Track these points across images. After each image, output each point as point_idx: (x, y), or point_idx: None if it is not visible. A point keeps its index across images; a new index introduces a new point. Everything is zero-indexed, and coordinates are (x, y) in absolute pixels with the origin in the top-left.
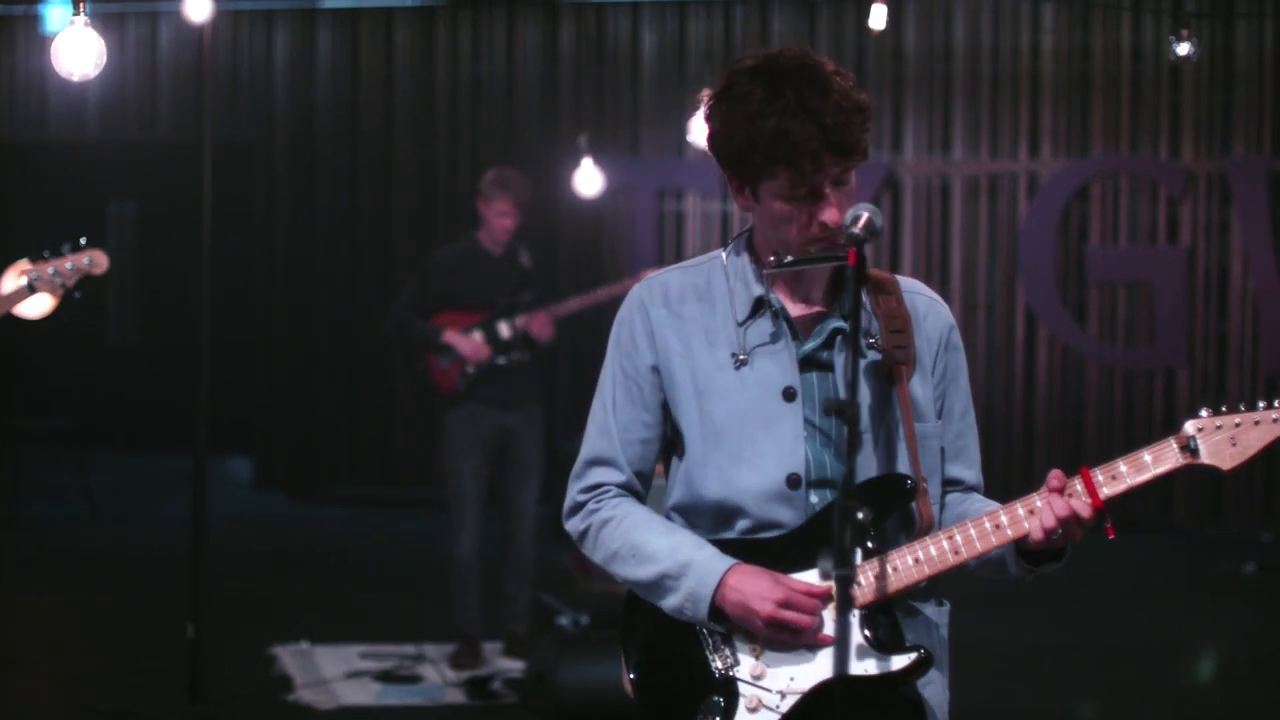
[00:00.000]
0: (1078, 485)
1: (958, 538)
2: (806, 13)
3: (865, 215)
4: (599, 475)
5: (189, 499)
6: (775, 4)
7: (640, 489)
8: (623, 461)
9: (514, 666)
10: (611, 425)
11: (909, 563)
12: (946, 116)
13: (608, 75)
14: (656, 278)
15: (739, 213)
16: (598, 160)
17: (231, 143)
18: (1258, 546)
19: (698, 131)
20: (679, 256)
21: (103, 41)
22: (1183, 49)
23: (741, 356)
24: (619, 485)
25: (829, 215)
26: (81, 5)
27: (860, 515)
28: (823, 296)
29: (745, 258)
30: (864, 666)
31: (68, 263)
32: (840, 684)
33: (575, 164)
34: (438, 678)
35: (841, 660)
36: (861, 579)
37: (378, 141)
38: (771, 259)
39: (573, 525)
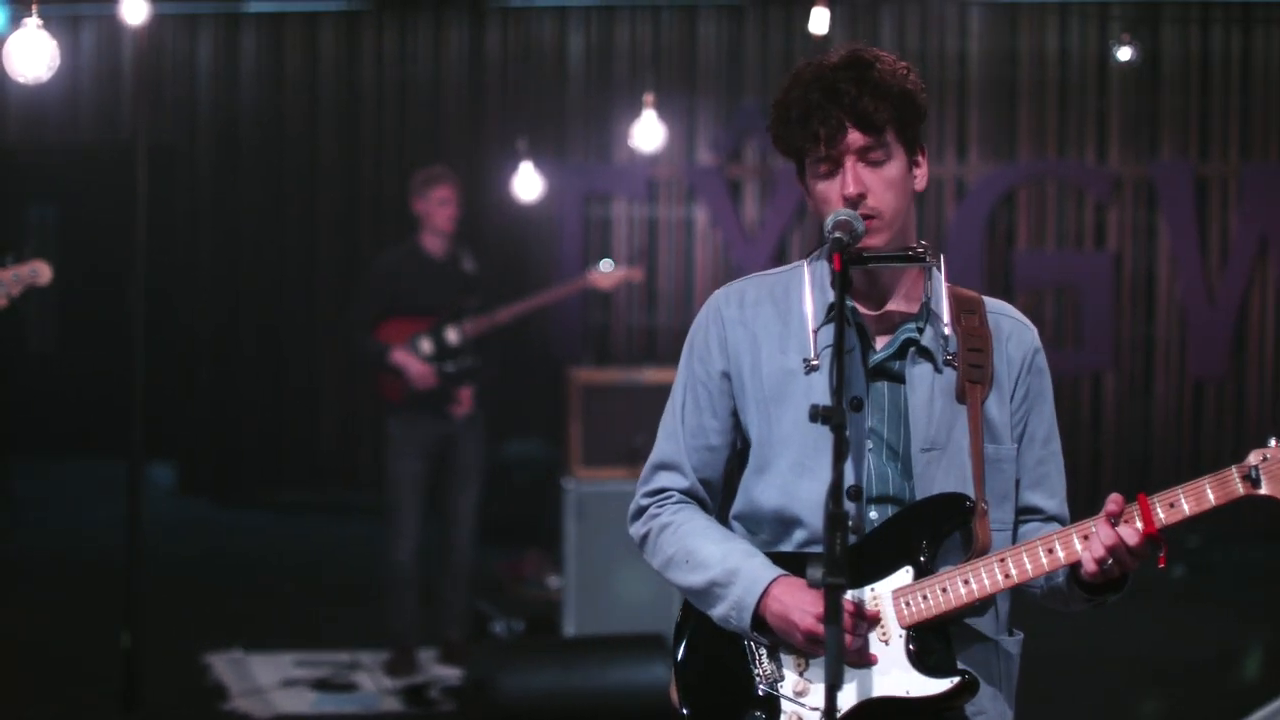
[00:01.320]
0: (1134, 511)
1: (1009, 561)
2: (734, 18)
3: (843, 218)
4: (663, 480)
5: (112, 506)
6: (702, 9)
7: (705, 496)
8: (688, 467)
9: (450, 674)
10: (679, 430)
11: (958, 584)
12: None
13: (534, 80)
14: (735, 284)
15: (666, 218)
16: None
17: (155, 146)
18: (1185, 550)
19: (638, 137)
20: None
21: (56, 43)
22: (1124, 54)
23: (813, 361)
24: (682, 491)
25: (847, 187)
26: (34, 6)
27: (850, 524)
28: (901, 300)
29: (824, 263)
30: (902, 687)
31: (11, 273)
32: (831, 695)
33: (500, 168)
34: (374, 686)
35: (831, 673)
36: (910, 599)
37: (302, 145)
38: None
39: (635, 530)
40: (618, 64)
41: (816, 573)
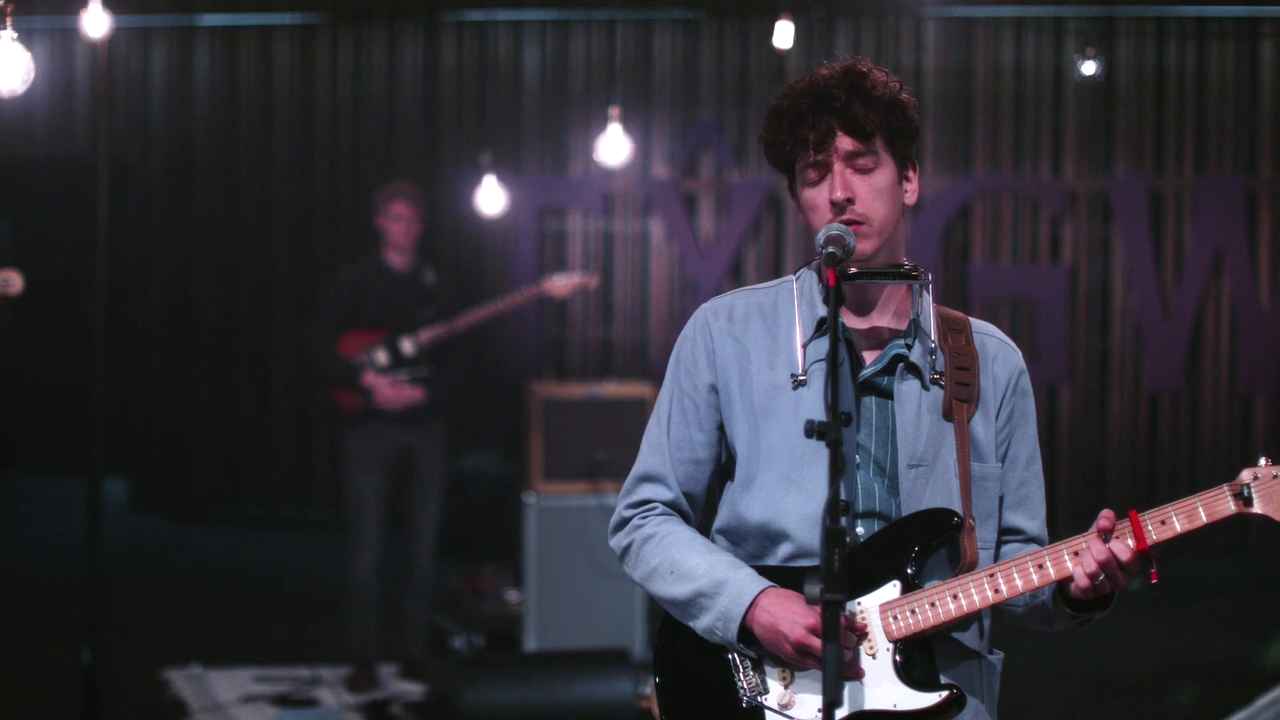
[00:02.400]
0: (1125, 528)
1: (998, 577)
2: (690, 32)
3: (836, 233)
4: (647, 492)
5: (64, 521)
6: (657, 23)
7: (688, 509)
8: (672, 480)
9: (411, 689)
10: (664, 443)
11: (947, 599)
12: None
13: (489, 93)
14: (724, 298)
15: (621, 232)
16: (478, 178)
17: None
18: None
19: (603, 151)
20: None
21: (30, 55)
22: (1088, 68)
23: (801, 377)
24: (666, 503)
25: (835, 192)
26: (9, 20)
27: (849, 540)
28: (890, 316)
29: (814, 278)
30: (889, 700)
31: None
32: (830, 712)
33: (456, 181)
34: (334, 701)
35: (828, 688)
36: (898, 613)
37: (256, 159)
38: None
39: (616, 541)
40: (573, 77)
41: (815, 588)
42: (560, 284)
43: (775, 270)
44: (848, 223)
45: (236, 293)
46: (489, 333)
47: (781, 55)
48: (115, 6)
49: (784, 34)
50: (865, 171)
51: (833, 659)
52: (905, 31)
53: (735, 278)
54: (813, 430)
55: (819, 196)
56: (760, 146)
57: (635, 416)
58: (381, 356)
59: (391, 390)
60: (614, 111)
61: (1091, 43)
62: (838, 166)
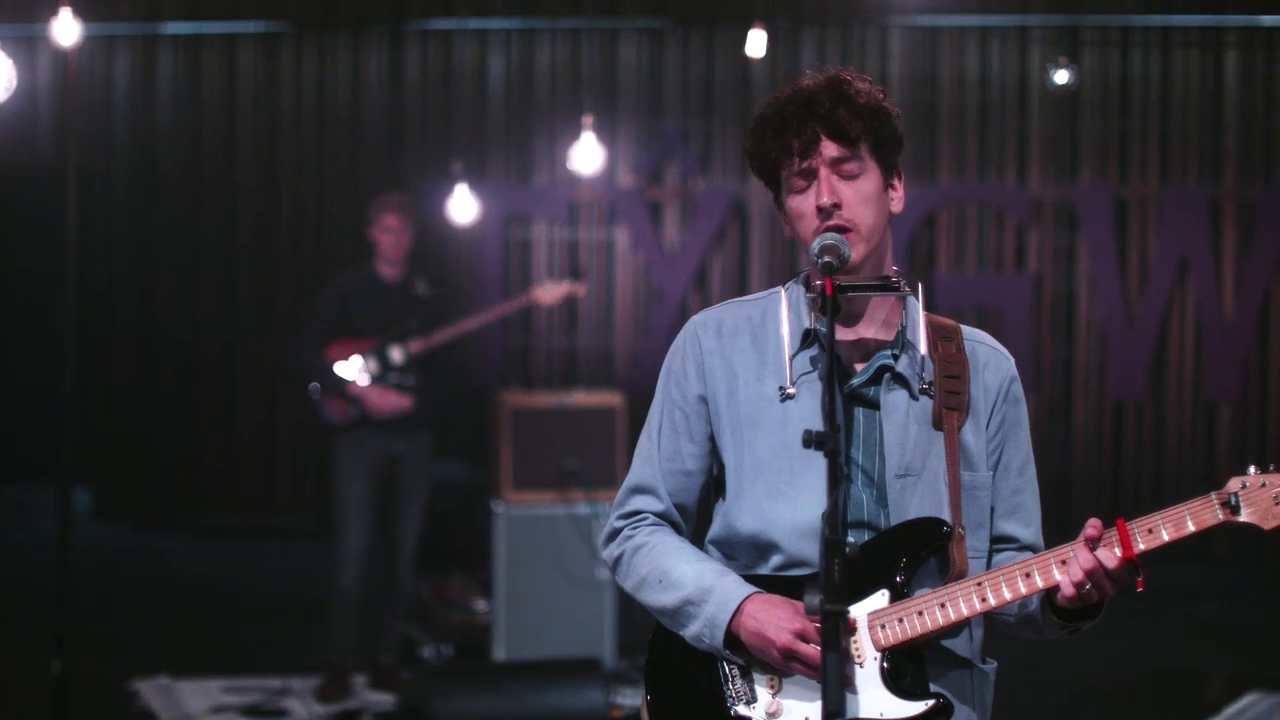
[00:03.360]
0: (1113, 537)
1: (986, 586)
2: (655, 40)
3: (830, 242)
4: (638, 503)
5: (28, 530)
6: (623, 32)
7: (679, 520)
8: (663, 491)
9: (382, 699)
10: (654, 454)
11: (935, 609)
12: None
13: (454, 102)
14: (713, 311)
15: (587, 240)
16: (444, 187)
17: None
18: None
19: (577, 159)
20: (526, 284)
21: (12, 63)
22: (1061, 77)
23: (789, 390)
24: (657, 514)
25: (822, 198)
26: None
27: (848, 550)
28: (878, 328)
29: (800, 290)
30: (876, 709)
31: None
32: None
33: (420, 190)
34: (304, 712)
35: (828, 699)
36: (886, 622)
37: (220, 168)
38: (817, 284)
39: (608, 552)
40: (538, 86)
41: (814, 599)
42: (549, 292)
43: (740, 279)
44: (835, 229)
45: (200, 301)
46: (454, 341)
47: (747, 64)
48: (79, 14)
49: (757, 43)
50: (851, 178)
51: (834, 669)
52: (871, 41)
53: (700, 287)
54: (810, 440)
55: (805, 204)
56: (745, 157)
57: (604, 426)
58: (371, 364)
59: (380, 399)
60: (587, 120)
61: (1065, 52)
62: (823, 172)
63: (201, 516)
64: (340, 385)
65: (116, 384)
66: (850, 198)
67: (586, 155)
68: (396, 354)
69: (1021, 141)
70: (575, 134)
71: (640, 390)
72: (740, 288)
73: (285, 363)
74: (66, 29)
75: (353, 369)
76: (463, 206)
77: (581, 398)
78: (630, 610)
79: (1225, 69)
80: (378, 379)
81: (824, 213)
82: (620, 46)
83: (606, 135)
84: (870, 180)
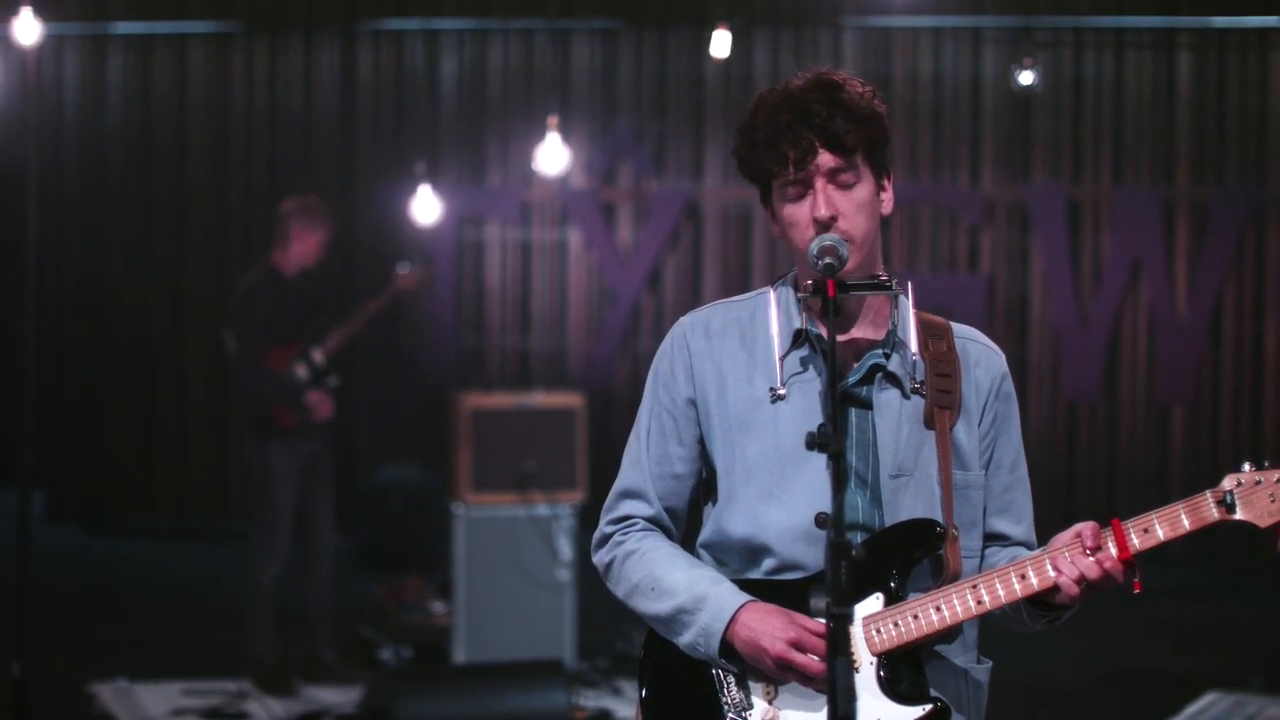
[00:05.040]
0: (1108, 537)
1: (981, 588)
2: (608, 41)
3: (829, 243)
4: (628, 508)
5: None
6: (575, 32)
7: (669, 524)
8: (653, 495)
9: (341, 700)
10: (644, 458)
11: (929, 611)
12: None
13: (406, 102)
14: (701, 312)
15: (540, 241)
16: (397, 188)
17: (22, 168)
18: None
19: (543, 160)
20: (479, 285)
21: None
22: (1026, 78)
23: (780, 391)
24: (646, 519)
25: (818, 210)
26: None
27: (854, 553)
28: (868, 328)
29: (790, 290)
30: (873, 714)
31: None
32: None
33: (372, 190)
34: (265, 714)
35: (834, 704)
36: (881, 626)
37: (171, 169)
38: (809, 283)
39: (599, 558)
40: (491, 87)
41: (821, 602)
42: (406, 278)
43: (694, 279)
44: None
45: (151, 302)
46: (405, 341)
47: (701, 65)
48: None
49: (721, 43)
50: (847, 187)
51: (842, 674)
52: (824, 41)
53: (654, 287)
54: (814, 442)
55: (800, 213)
56: (734, 160)
57: (564, 427)
58: (302, 369)
59: (322, 403)
60: (552, 120)
61: (1017, 53)
62: (820, 184)
63: (152, 519)
64: (296, 394)
65: (67, 385)
66: (846, 208)
67: (552, 156)
68: (318, 355)
69: (975, 142)
70: (528, 134)
71: (593, 391)
72: (694, 288)
73: (241, 383)
74: (27, 28)
75: (297, 375)
76: (426, 207)
77: (541, 399)
78: (590, 612)
79: (1178, 70)
80: (311, 383)
81: (820, 225)
82: (573, 47)
83: (560, 136)
84: (865, 187)
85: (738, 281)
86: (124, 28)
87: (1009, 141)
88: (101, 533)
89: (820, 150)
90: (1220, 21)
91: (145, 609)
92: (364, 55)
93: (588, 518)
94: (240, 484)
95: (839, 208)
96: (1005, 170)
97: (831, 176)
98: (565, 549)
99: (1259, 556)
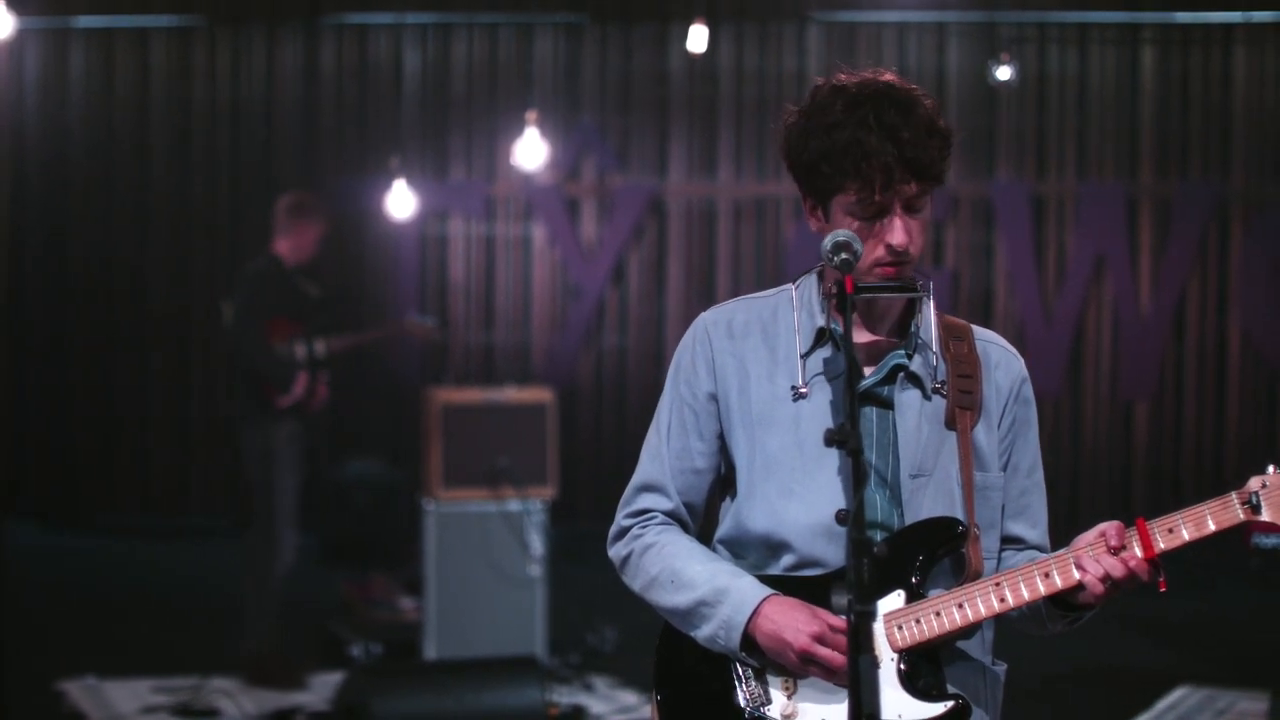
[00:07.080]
0: (1132, 537)
1: (1004, 586)
2: (573, 36)
3: (843, 239)
4: (646, 501)
5: None
6: (539, 27)
7: (687, 518)
8: (672, 489)
9: (316, 698)
10: (664, 452)
11: (952, 609)
12: (712, 140)
13: (370, 96)
14: (724, 308)
15: (504, 236)
16: (361, 182)
17: None
18: None
19: (520, 155)
20: (443, 280)
21: None
22: (1003, 73)
23: (801, 389)
24: (665, 512)
25: (896, 237)
26: None
27: (876, 550)
28: (890, 328)
29: (814, 288)
30: (894, 710)
31: None
32: None
33: (335, 184)
34: (236, 710)
35: (857, 701)
36: (903, 622)
37: (133, 163)
38: (832, 285)
39: (615, 551)
40: (455, 81)
41: (842, 599)
42: (417, 326)
43: (658, 275)
44: (897, 263)
45: (112, 296)
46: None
47: (665, 60)
48: None
49: (698, 38)
50: (918, 212)
51: (866, 670)
52: (788, 36)
53: (618, 283)
54: (833, 439)
55: (866, 231)
56: (781, 153)
57: (536, 422)
58: (302, 352)
59: (319, 390)
60: (531, 115)
61: (966, 47)
62: (898, 210)
63: (113, 515)
64: (288, 370)
65: (27, 381)
66: (916, 234)
67: (529, 151)
68: (320, 345)
69: None
70: (492, 129)
71: (557, 386)
72: (658, 283)
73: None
74: (1, 22)
75: (294, 353)
76: (400, 202)
77: (513, 394)
78: (561, 607)
79: (1142, 66)
80: (305, 366)
81: (893, 251)
82: (537, 41)
83: (522, 131)
84: (929, 208)
85: (702, 276)
86: (85, 21)
87: (973, 136)
88: (61, 530)
89: (905, 177)
90: (1183, 17)
91: (110, 606)
92: (327, 49)
93: (558, 513)
94: (202, 480)
95: (911, 235)
96: (969, 165)
97: (908, 207)
98: (536, 544)
99: (1226, 551)
